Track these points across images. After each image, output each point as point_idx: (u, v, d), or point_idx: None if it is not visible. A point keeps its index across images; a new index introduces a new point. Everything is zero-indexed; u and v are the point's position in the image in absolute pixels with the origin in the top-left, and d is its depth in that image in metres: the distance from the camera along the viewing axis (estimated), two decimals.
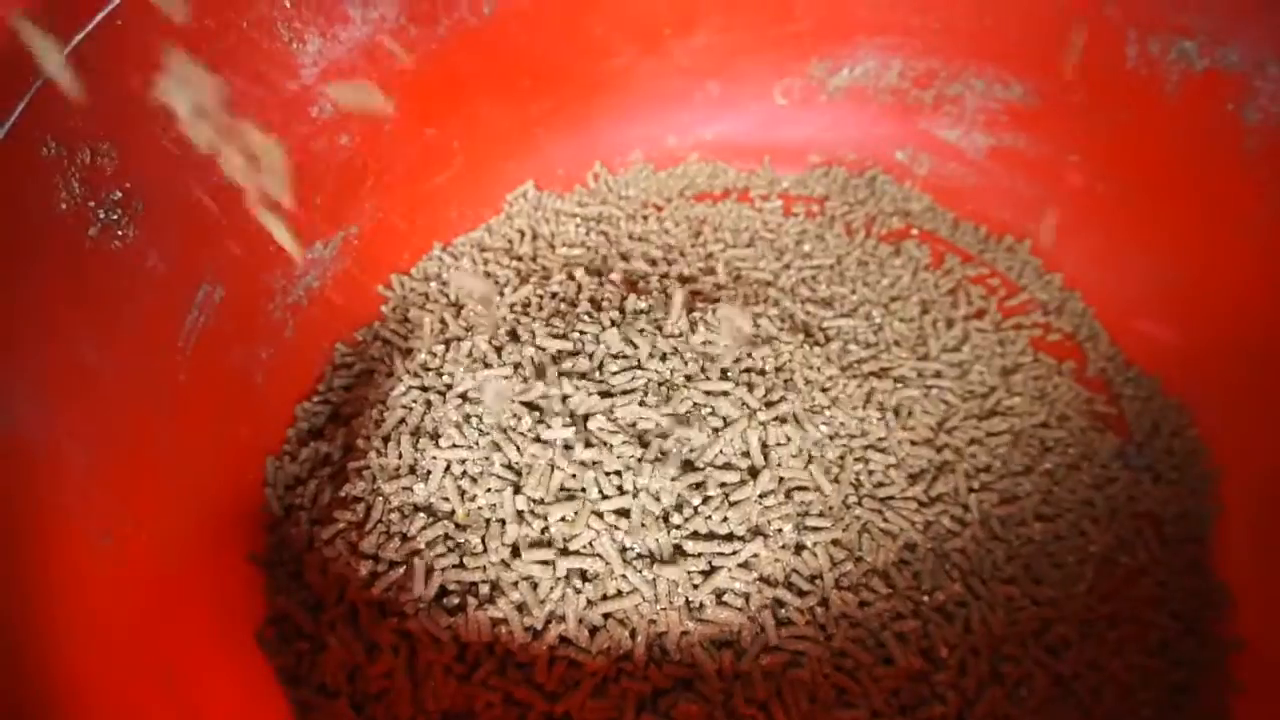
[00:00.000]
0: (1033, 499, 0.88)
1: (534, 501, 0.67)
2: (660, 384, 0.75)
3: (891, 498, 0.82)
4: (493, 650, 0.66)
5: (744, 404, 0.76)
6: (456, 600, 0.67)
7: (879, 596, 0.76)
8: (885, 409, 0.88)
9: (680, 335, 0.80)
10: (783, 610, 0.71)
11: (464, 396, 0.75)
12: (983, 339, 1.02)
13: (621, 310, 0.85)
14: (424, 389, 0.79)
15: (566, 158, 1.21)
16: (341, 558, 0.73)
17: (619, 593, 0.66)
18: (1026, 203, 1.15)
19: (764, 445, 0.75)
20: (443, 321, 0.94)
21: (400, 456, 0.73)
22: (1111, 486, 0.92)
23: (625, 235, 1.10)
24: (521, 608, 0.65)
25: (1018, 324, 1.06)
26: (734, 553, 0.68)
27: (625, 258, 1.04)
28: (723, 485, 0.71)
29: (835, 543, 0.75)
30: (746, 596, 0.68)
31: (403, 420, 0.77)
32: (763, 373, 0.82)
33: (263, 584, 0.79)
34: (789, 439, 0.77)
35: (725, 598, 0.67)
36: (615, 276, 0.96)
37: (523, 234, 1.11)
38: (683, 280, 1.01)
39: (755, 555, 0.69)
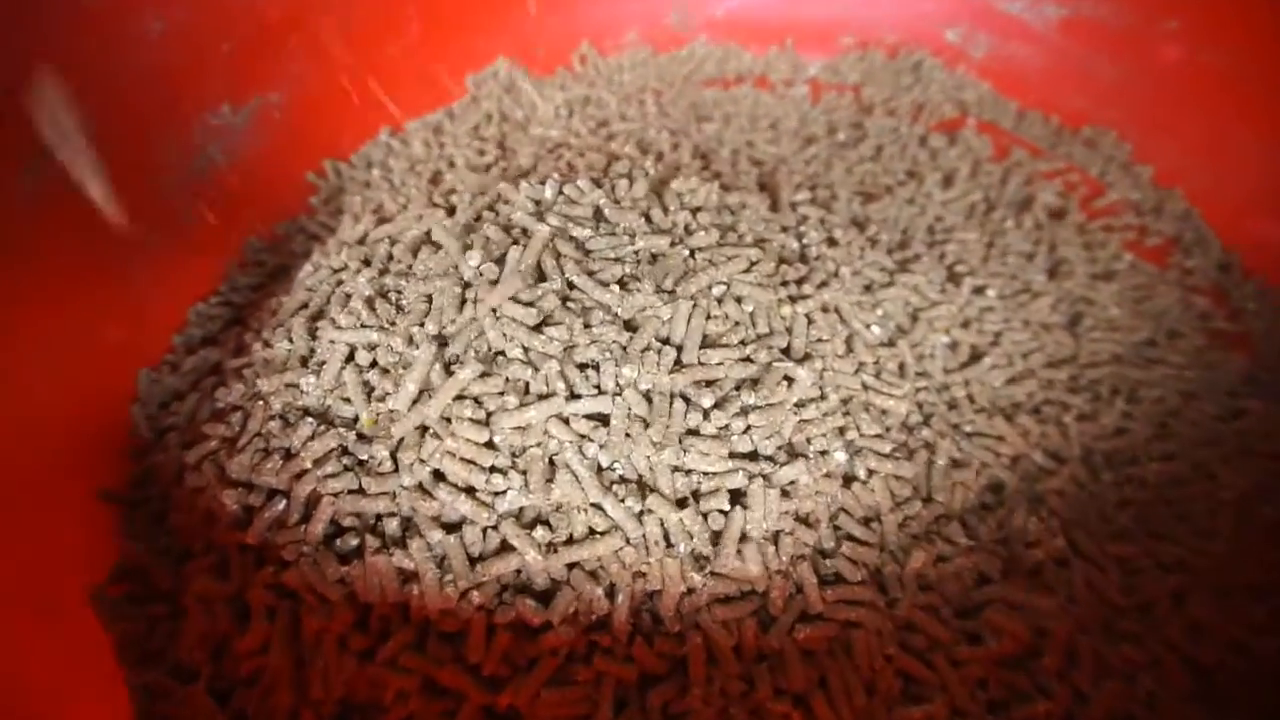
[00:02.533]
0: (1144, 432, 0.67)
1: (472, 402, 0.46)
2: (655, 256, 0.54)
3: (968, 422, 0.61)
4: (407, 615, 0.45)
5: (773, 282, 0.55)
6: (354, 541, 0.46)
7: (957, 550, 0.55)
8: (952, 316, 0.67)
9: (684, 207, 0.59)
10: (829, 562, 0.50)
11: (386, 267, 0.54)
12: (1065, 241, 0.81)
13: (606, 173, 0.64)
14: (336, 271, 0.58)
15: (548, 35, 1.00)
16: (210, 489, 0.52)
17: (591, 533, 0.45)
18: (1108, 85, 0.94)
19: (799, 337, 0.54)
20: (379, 206, 0.73)
21: (290, 345, 0.52)
22: (1243, 420, 0.70)
23: (617, 117, 0.88)
24: (443, 558, 0.44)
25: (1107, 225, 0.85)
26: (761, 478, 0.47)
27: (614, 139, 0.83)
28: (743, 385, 0.50)
29: (898, 477, 0.54)
30: (776, 539, 0.47)
31: (304, 305, 0.56)
32: (802, 259, 0.61)
33: (117, 528, 0.58)
34: (833, 334, 0.56)
35: (748, 543, 0.46)
36: (599, 152, 0.75)
37: (490, 117, 0.90)
38: (686, 163, 0.79)
39: (792, 483, 0.48)
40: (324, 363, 0.50)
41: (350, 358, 0.50)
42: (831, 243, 0.66)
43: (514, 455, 0.45)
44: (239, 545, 0.50)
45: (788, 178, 0.78)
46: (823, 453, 0.51)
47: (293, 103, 0.83)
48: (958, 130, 0.94)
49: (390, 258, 0.55)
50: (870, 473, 0.53)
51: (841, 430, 0.53)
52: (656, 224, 0.56)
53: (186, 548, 0.54)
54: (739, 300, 0.53)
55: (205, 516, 0.53)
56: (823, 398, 0.53)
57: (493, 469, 0.45)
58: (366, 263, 0.56)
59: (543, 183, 0.59)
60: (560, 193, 0.58)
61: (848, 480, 0.52)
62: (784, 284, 0.57)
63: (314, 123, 0.85)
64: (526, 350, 0.47)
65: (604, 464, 0.46)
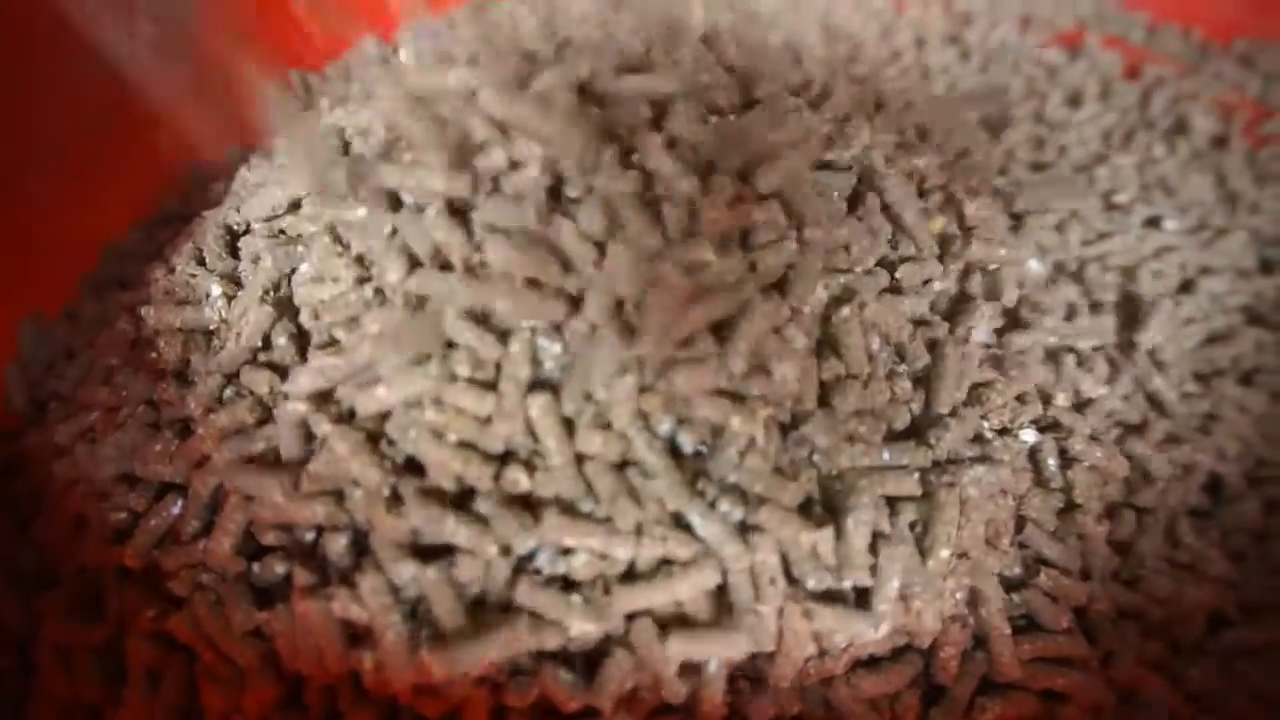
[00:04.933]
0: None
1: (469, 319, 0.28)
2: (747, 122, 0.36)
3: (1159, 390, 0.44)
4: (361, 689, 0.28)
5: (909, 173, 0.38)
6: (281, 569, 0.28)
7: (1183, 578, 0.37)
8: (1128, 250, 0.49)
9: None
10: (1014, 597, 0.32)
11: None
12: (1235, 172, 0.63)
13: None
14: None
15: None
16: (83, 483, 0.35)
17: (665, 563, 0.27)
18: None
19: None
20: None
21: (198, 270, 0.35)
22: None
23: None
24: (417, 606, 0.27)
25: None
26: (942, 471, 0.30)
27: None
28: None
29: (1103, 470, 0.36)
30: (953, 567, 0.30)
31: (230, 219, 0.38)
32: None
33: None
34: (997, 269, 0.39)
35: (924, 579, 0.28)
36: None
37: (500, 25, 0.73)
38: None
39: (977, 482, 0.30)
40: (241, 289, 0.32)
41: (274, 288, 0.32)
42: (963, 153, 0.48)
43: (535, 435, 0.28)
44: (117, 568, 0.33)
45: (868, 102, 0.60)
46: (1002, 431, 0.34)
47: None
48: (1076, 45, 0.76)
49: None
50: (1067, 462, 0.36)
51: (1022, 398, 0.35)
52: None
53: (53, 570, 0.37)
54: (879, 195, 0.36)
55: (76, 524, 0.35)
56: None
57: (506, 456, 0.27)
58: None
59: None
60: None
61: (1038, 476, 0.35)
62: (922, 189, 0.40)
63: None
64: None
65: (687, 449, 0.28)
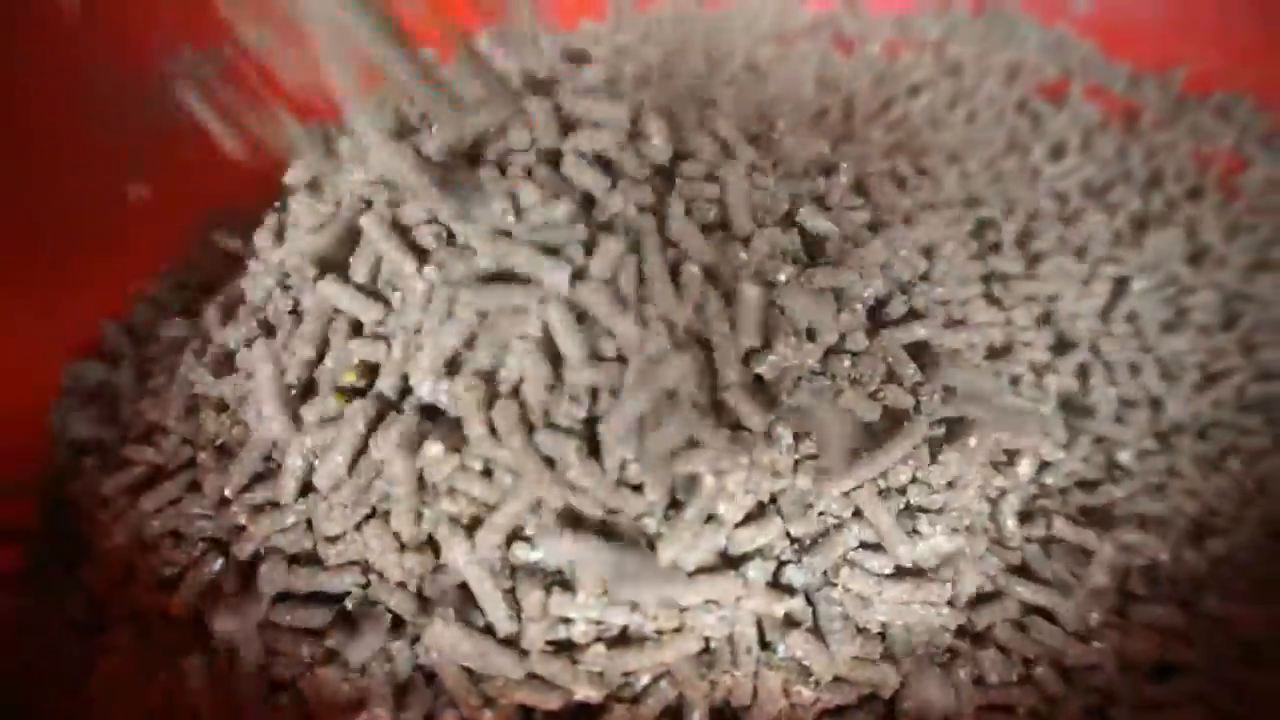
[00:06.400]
0: None
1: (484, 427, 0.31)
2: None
3: (1122, 445, 0.47)
4: None
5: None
6: (305, 650, 0.32)
7: (1132, 627, 0.41)
8: (1096, 311, 0.53)
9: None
10: (974, 649, 0.36)
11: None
12: (1205, 225, 0.67)
13: None
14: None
15: None
16: (130, 535, 0.38)
17: (654, 632, 0.31)
18: (1247, 40, 0.79)
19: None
20: None
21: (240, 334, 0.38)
22: None
23: (659, 73, 0.74)
24: (425, 677, 0.30)
25: (1252, 207, 0.70)
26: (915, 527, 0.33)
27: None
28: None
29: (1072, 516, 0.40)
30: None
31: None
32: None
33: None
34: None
35: (892, 633, 0.32)
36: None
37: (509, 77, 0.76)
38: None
39: (938, 547, 0.34)
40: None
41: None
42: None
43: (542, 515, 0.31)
44: (162, 614, 0.37)
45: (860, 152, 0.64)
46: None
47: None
48: (1060, 95, 0.79)
49: None
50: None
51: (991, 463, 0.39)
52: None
53: (101, 612, 0.41)
54: None
55: (124, 572, 0.39)
56: None
57: (514, 535, 0.31)
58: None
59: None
60: None
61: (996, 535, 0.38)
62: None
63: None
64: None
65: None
